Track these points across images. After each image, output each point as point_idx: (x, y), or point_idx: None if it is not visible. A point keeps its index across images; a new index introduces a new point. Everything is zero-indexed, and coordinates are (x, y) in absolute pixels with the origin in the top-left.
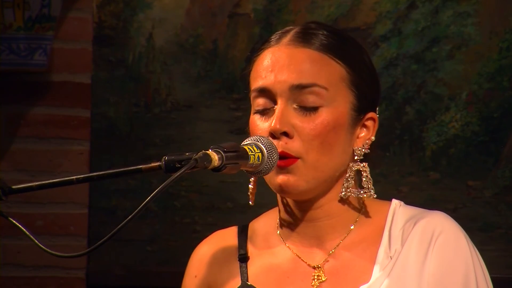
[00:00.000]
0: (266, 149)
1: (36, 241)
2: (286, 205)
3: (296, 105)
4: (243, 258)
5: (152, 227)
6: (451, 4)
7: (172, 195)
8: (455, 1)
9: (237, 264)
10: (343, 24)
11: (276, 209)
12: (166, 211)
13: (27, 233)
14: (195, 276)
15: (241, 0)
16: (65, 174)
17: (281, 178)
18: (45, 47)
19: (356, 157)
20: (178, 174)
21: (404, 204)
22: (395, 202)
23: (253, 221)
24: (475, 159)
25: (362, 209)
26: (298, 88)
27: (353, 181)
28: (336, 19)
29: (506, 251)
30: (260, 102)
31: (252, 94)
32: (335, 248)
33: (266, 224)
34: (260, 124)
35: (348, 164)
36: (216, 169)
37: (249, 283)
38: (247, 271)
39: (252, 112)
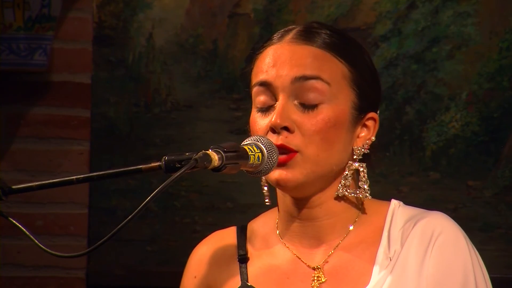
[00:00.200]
0: (266, 149)
1: (36, 241)
2: (285, 204)
3: (297, 102)
4: (243, 259)
5: (152, 227)
6: (451, 4)
7: (172, 195)
8: (455, 1)
9: (237, 264)
10: (343, 24)
11: (274, 209)
12: (166, 211)
13: (27, 233)
14: (195, 277)
15: (241, 0)
16: (65, 174)
17: (278, 172)
18: (45, 47)
19: (355, 157)
20: (178, 174)
21: (404, 204)
22: (394, 202)
23: (252, 221)
24: (475, 159)
25: (361, 209)
26: (301, 80)
27: (351, 180)
28: (336, 19)
29: (506, 251)
30: (261, 99)
31: (253, 90)
32: (334, 248)
33: (265, 225)
34: (260, 121)
35: (347, 163)
36: (216, 169)
37: (249, 284)
38: (247, 271)
39: (252, 109)
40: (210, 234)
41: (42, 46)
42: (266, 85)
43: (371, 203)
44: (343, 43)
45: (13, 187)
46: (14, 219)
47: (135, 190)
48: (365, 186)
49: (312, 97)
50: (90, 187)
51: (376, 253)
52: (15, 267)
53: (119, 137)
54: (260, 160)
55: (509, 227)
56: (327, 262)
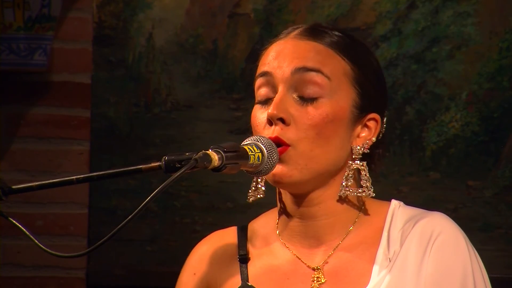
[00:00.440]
0: (266, 149)
1: (36, 241)
2: (285, 204)
3: (296, 95)
4: (243, 259)
5: (152, 227)
6: (451, 4)
7: (172, 195)
8: (455, 1)
9: (237, 264)
10: (343, 24)
11: (275, 209)
12: (166, 211)
13: (27, 233)
14: (194, 274)
15: (241, 0)
16: (65, 174)
17: (275, 167)
18: (45, 47)
19: (354, 156)
20: (178, 174)
21: (404, 205)
22: (394, 202)
23: (252, 221)
24: (475, 159)
25: (361, 210)
26: (301, 72)
27: (353, 180)
28: (336, 19)
29: (506, 251)
30: (262, 92)
31: (256, 82)
32: (334, 249)
33: (265, 225)
34: (259, 115)
35: (347, 162)
36: (216, 169)
37: (249, 284)
38: (247, 271)
39: (254, 105)
40: (210, 234)
41: (42, 46)
42: (267, 77)
43: (371, 203)
44: (348, 42)
45: (13, 187)
46: (14, 219)
47: (135, 190)
48: (368, 184)
49: (311, 90)
50: (90, 187)
51: (376, 253)
52: (15, 267)
53: (119, 137)
54: (260, 160)
55: (509, 227)
56: (327, 262)
